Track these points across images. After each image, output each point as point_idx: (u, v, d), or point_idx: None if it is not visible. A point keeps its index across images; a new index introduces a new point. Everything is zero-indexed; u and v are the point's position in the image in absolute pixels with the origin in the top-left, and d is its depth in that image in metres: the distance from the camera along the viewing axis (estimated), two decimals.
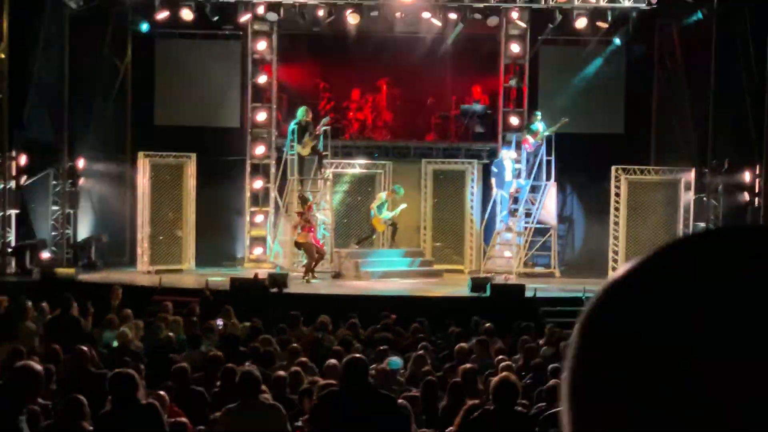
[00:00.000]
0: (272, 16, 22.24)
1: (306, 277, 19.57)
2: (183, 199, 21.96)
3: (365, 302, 17.14)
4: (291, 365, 10.16)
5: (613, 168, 21.44)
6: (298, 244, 20.00)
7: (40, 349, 11.62)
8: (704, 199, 21.71)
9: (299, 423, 8.11)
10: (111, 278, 19.59)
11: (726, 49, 21.11)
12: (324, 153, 21.54)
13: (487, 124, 24.41)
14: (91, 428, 7.04)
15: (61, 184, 21.99)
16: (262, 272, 19.25)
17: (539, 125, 21.91)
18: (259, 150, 23.30)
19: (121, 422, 6.90)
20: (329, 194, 21.70)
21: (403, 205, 21.26)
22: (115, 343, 12.18)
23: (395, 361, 9.91)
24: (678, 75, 23.12)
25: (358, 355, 7.37)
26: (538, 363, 11.00)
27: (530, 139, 21.89)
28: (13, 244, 21.19)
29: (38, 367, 6.63)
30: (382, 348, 11.41)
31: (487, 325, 13.66)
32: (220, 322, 14.07)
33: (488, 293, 18.06)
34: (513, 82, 23.29)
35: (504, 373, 7.74)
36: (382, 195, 21.18)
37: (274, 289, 17.80)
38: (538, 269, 22.30)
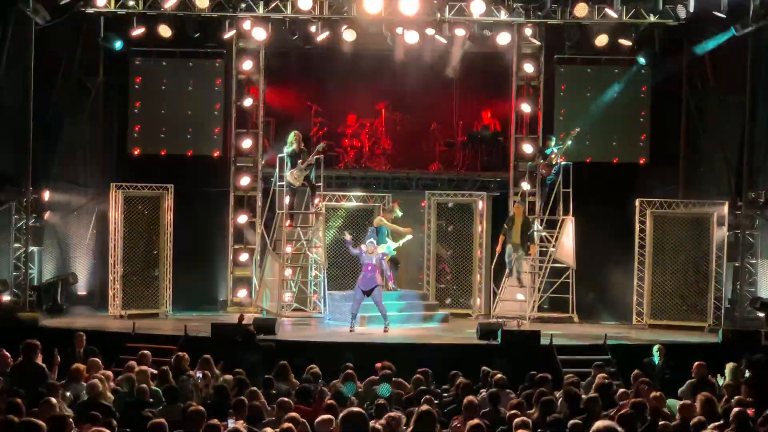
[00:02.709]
0: (259, 33, 22.34)
1: None
2: (159, 236, 21.94)
3: (361, 350, 17.12)
4: (280, 421, 10.12)
5: (637, 201, 21.47)
6: None
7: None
8: (739, 235, 21.71)
9: None
10: (78, 323, 19.57)
11: (762, 69, 21.21)
12: (317, 184, 21.56)
13: (498, 153, 24.46)
14: None
15: (24, 219, 21.94)
16: (248, 317, 19.24)
17: (554, 149, 22.00)
18: (244, 181, 23.33)
19: None
20: (322, 230, 21.69)
21: (408, 237, 21.17)
22: (85, 396, 12.13)
23: None
24: (709, 98, 23.21)
25: (356, 409, 7.35)
26: (556, 418, 10.97)
27: (546, 163, 21.99)
28: None
29: None
30: (380, 402, 11.37)
31: (499, 376, 13.62)
32: (199, 374, 14.01)
33: (499, 340, 18.05)
34: (526, 106, 23.35)
35: (519, 431, 7.72)
36: (380, 219, 21.11)
37: (261, 336, 17.77)
38: (555, 314, 22.25)
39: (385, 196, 23.06)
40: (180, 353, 15.03)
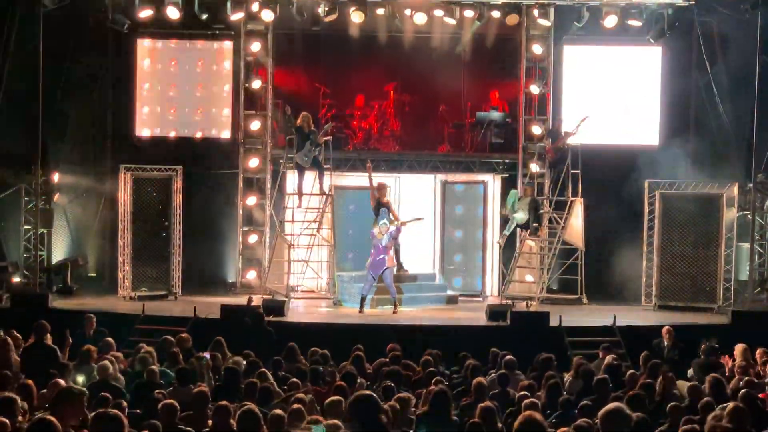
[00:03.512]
0: (267, 15, 22.29)
1: None
2: (169, 218, 21.95)
3: (370, 333, 17.14)
4: (290, 402, 10.15)
5: (646, 182, 21.42)
6: None
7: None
8: (749, 216, 21.67)
9: None
10: (88, 305, 19.61)
11: None
12: (325, 165, 21.54)
13: (506, 134, 24.41)
14: None
15: (34, 201, 21.98)
16: (257, 298, 19.29)
17: (562, 132, 21.98)
18: (253, 163, 23.29)
19: None
20: (330, 211, 21.66)
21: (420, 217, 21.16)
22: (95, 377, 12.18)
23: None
24: (719, 78, 23.13)
25: (367, 392, 7.36)
26: (566, 399, 10.99)
27: (553, 147, 21.97)
28: None
29: None
30: (388, 384, 11.39)
31: (508, 357, 13.63)
32: (207, 355, 14.03)
33: (508, 322, 18.06)
34: (534, 87, 23.29)
35: (528, 412, 7.72)
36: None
37: (270, 318, 17.81)
38: (564, 295, 22.25)
39: (394, 177, 23.02)
40: (182, 335, 15.07)
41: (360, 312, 19.43)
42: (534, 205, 21.42)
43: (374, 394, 7.24)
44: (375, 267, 19.57)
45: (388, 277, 19.60)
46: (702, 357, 14.70)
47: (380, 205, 20.58)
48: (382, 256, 19.50)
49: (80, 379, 12.41)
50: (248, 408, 8.14)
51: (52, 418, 6.82)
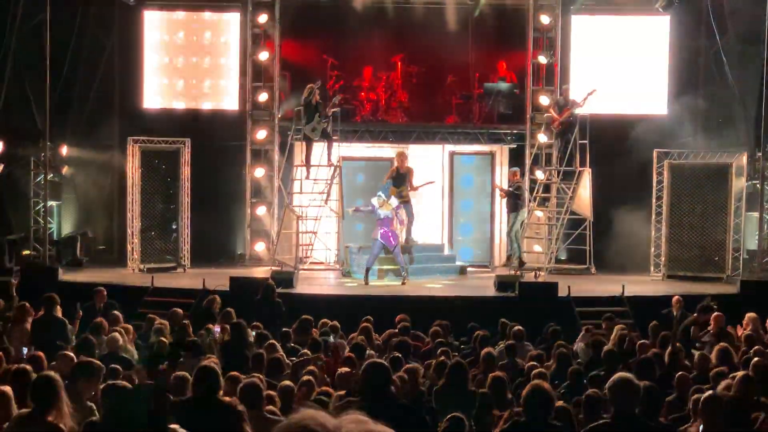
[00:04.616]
0: None
1: None
2: (177, 190, 21.95)
3: (379, 304, 17.14)
4: (300, 374, 10.16)
5: (654, 152, 21.35)
6: None
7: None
8: (758, 186, 21.59)
9: None
10: (97, 278, 19.62)
11: None
12: (334, 137, 21.49)
13: (514, 105, 24.33)
14: None
15: (43, 174, 21.97)
16: (266, 271, 19.28)
17: (569, 101, 21.88)
18: (261, 134, 23.28)
19: None
20: (339, 182, 21.65)
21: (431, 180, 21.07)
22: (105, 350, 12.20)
23: None
24: (727, 48, 22.99)
25: (378, 361, 7.36)
26: (575, 370, 10.99)
27: (558, 118, 21.88)
28: None
29: None
30: (396, 355, 11.39)
31: (516, 328, 13.63)
32: (217, 328, 14.03)
33: (517, 292, 18.04)
34: (542, 58, 23.19)
35: (536, 381, 7.74)
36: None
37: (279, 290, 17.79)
38: (572, 265, 22.24)
39: (402, 149, 22.97)
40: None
41: (366, 284, 19.41)
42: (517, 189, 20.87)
43: (385, 364, 7.23)
44: (389, 240, 19.46)
45: (398, 247, 19.58)
46: (696, 314, 14.66)
47: (399, 174, 20.53)
48: (389, 227, 19.44)
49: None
50: (251, 381, 8.15)
51: (53, 373, 6.83)
